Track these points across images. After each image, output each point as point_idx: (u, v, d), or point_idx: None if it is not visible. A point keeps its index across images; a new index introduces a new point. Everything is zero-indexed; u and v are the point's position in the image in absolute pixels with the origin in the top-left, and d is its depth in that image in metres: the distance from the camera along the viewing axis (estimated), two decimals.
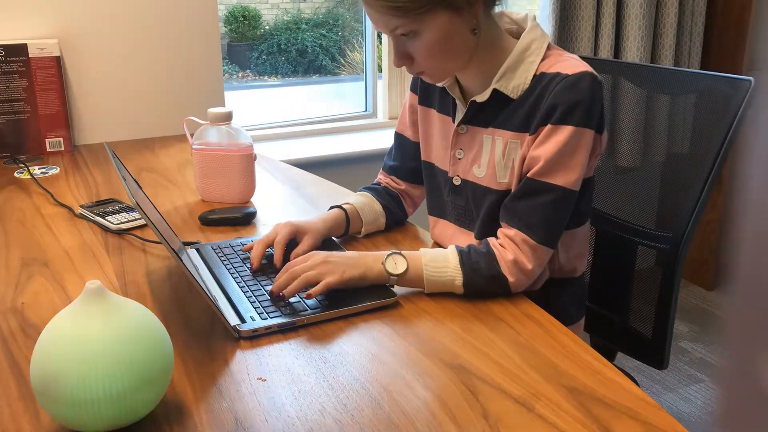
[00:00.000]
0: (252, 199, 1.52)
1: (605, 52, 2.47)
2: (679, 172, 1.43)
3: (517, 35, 1.16)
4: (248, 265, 1.17)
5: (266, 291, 1.09)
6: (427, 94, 1.28)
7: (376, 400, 0.84)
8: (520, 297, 1.10)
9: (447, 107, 1.24)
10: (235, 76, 9.16)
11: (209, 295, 0.98)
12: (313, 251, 1.13)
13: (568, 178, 1.09)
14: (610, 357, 1.44)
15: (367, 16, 1.14)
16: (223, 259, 1.20)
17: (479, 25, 1.11)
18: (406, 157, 1.35)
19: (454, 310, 1.06)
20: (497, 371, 0.90)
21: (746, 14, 2.63)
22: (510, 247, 1.10)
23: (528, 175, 1.10)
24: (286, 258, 1.16)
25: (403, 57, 1.12)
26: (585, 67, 1.09)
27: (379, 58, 2.66)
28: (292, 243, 1.19)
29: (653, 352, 1.33)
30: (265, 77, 9.36)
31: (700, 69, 2.68)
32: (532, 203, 1.10)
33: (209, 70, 2.11)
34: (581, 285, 1.31)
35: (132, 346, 0.75)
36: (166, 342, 0.80)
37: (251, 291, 1.09)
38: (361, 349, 0.96)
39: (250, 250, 1.20)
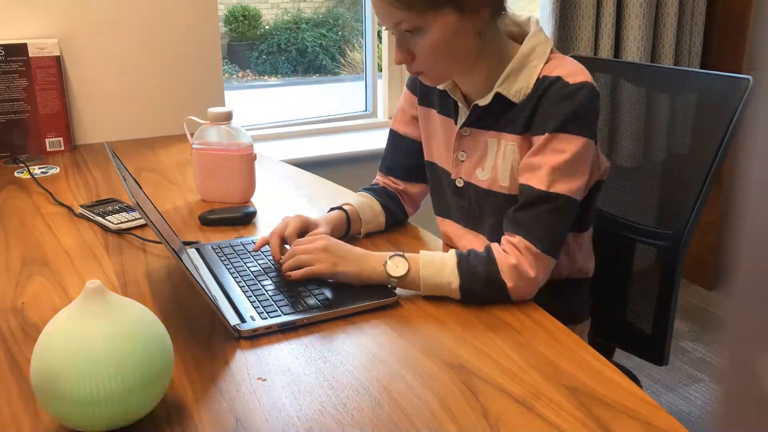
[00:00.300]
0: (252, 199, 1.52)
1: (605, 51, 2.47)
2: (678, 171, 1.43)
3: (518, 38, 1.16)
4: (249, 264, 1.17)
5: (266, 291, 1.09)
6: (426, 95, 1.28)
7: (376, 400, 0.84)
8: None
9: (448, 109, 1.23)
10: (235, 76, 9.15)
11: (209, 295, 0.98)
12: (324, 235, 1.14)
13: (570, 186, 1.08)
14: (608, 354, 1.44)
15: (369, 13, 1.14)
16: (223, 258, 1.20)
17: (484, 30, 1.11)
18: (402, 156, 1.35)
19: (454, 309, 1.06)
20: (497, 371, 0.90)
21: (746, 14, 2.63)
22: (513, 253, 1.08)
23: (530, 184, 1.09)
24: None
25: (404, 54, 1.11)
26: (586, 76, 1.09)
27: (379, 57, 2.66)
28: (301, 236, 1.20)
29: (653, 349, 1.33)
30: (265, 77, 9.36)
31: (700, 69, 2.68)
32: (536, 212, 1.09)
33: (209, 70, 2.11)
34: (590, 286, 1.32)
35: (132, 346, 0.75)
36: (166, 342, 0.80)
37: (251, 291, 1.09)
38: (362, 348, 0.96)
39: (262, 246, 1.20)
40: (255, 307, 1.03)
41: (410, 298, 1.09)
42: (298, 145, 2.46)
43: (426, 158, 1.31)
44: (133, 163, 1.80)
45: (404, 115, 1.33)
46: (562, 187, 1.08)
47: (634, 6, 2.45)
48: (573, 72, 1.09)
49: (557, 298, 1.15)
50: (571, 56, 1.19)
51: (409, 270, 1.08)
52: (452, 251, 1.11)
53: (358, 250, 1.12)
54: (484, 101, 1.15)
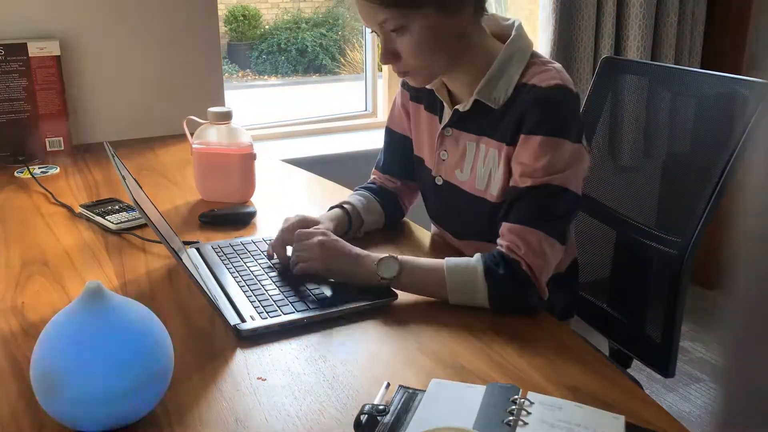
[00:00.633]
0: (252, 199, 1.52)
1: (605, 51, 2.47)
2: (683, 174, 1.42)
3: (503, 39, 1.17)
4: (249, 264, 1.18)
5: (266, 291, 1.09)
6: (417, 91, 1.29)
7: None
8: None
9: (434, 107, 1.26)
10: (235, 76, 9.15)
11: (209, 295, 0.98)
12: (322, 231, 1.14)
13: (553, 177, 1.07)
14: (625, 364, 1.44)
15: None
16: (223, 258, 1.20)
17: (467, 31, 1.12)
18: (398, 154, 1.37)
19: (454, 309, 1.06)
20: (497, 371, 0.90)
21: (746, 14, 2.63)
22: (518, 248, 1.07)
23: (514, 185, 1.10)
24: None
25: (389, 54, 1.12)
26: (559, 79, 1.09)
27: (379, 57, 2.66)
28: None
29: (661, 359, 1.32)
30: (265, 77, 9.36)
31: (701, 69, 2.68)
32: (526, 204, 1.09)
33: (209, 70, 2.11)
34: (568, 283, 1.32)
35: (132, 346, 0.75)
36: (166, 342, 0.80)
37: (251, 290, 1.09)
38: (361, 348, 0.95)
39: (272, 256, 1.20)
40: (255, 307, 1.03)
41: (410, 298, 1.09)
42: (298, 144, 2.46)
43: (415, 152, 1.33)
44: (133, 163, 1.80)
45: (399, 113, 1.35)
46: (544, 179, 1.07)
47: (635, 6, 2.45)
48: (547, 76, 1.09)
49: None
50: (612, 55, 1.19)
51: (400, 273, 1.07)
52: (478, 267, 1.06)
53: (354, 249, 1.12)
54: (464, 107, 1.17)
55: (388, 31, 1.10)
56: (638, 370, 1.87)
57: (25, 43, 1.82)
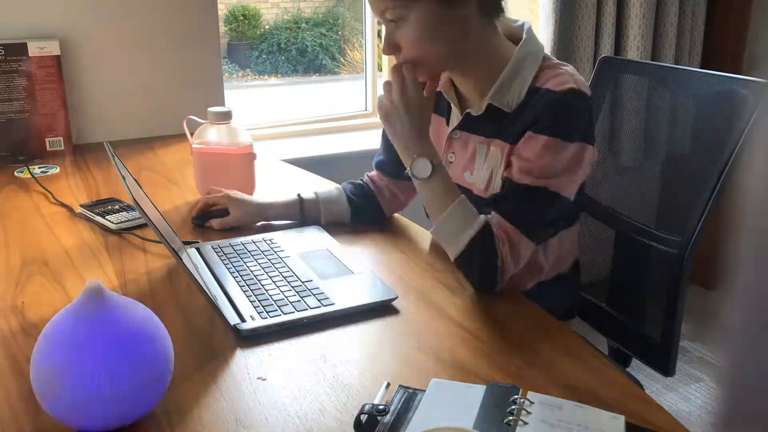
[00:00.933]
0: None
1: (605, 51, 2.47)
2: (683, 174, 1.42)
3: (513, 40, 1.17)
4: (249, 264, 1.18)
5: (266, 290, 1.09)
6: None
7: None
8: (519, 296, 1.11)
9: (441, 108, 1.26)
10: (235, 76, 9.15)
11: (209, 295, 0.98)
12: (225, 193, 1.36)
13: (547, 181, 1.09)
14: (625, 363, 1.44)
15: (369, 13, 1.16)
16: (223, 258, 1.20)
17: (470, 25, 1.11)
18: (392, 153, 1.36)
19: (454, 309, 1.06)
20: (497, 370, 0.90)
21: (746, 14, 2.63)
22: (503, 238, 1.09)
23: (511, 178, 1.10)
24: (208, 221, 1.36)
25: (390, 44, 1.12)
26: (573, 83, 1.09)
27: (380, 57, 2.66)
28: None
29: (661, 358, 1.32)
30: (265, 76, 9.36)
31: (701, 69, 2.68)
32: (517, 202, 1.10)
33: (209, 70, 2.11)
34: (570, 284, 1.32)
35: (132, 346, 0.75)
36: (166, 342, 0.80)
37: (251, 290, 1.09)
38: (361, 347, 0.96)
39: (200, 213, 1.37)
40: (255, 307, 1.03)
41: (410, 298, 1.09)
42: (298, 144, 2.46)
43: None
44: (133, 163, 1.80)
45: None
46: (541, 182, 1.08)
47: (635, 5, 2.45)
48: (561, 80, 1.09)
49: (543, 297, 1.16)
50: (611, 55, 1.20)
51: (429, 177, 1.10)
52: (481, 220, 1.09)
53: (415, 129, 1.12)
54: (476, 111, 1.17)
55: (389, 21, 1.11)
56: (638, 369, 1.87)
57: (25, 43, 1.82)
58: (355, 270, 1.16)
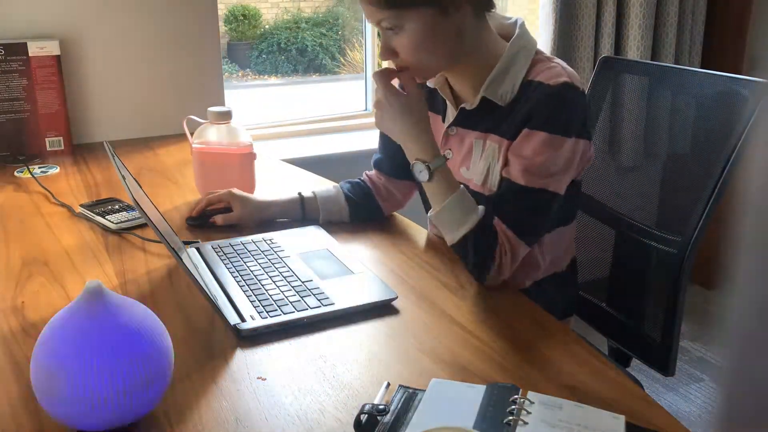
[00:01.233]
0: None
1: (605, 51, 2.47)
2: (683, 174, 1.42)
3: (506, 37, 1.17)
4: (249, 263, 1.18)
5: (266, 290, 1.09)
6: None
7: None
8: (519, 296, 1.11)
9: (437, 105, 1.27)
10: (235, 75, 9.15)
11: (209, 294, 0.98)
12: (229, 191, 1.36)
13: (547, 181, 1.10)
14: (625, 362, 1.44)
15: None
16: (223, 258, 1.20)
17: (465, 28, 1.12)
18: (389, 152, 1.38)
19: (454, 309, 1.06)
20: (498, 370, 0.90)
21: (746, 14, 2.63)
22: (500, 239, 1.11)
23: (509, 177, 1.12)
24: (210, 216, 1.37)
25: (388, 51, 1.13)
26: (566, 77, 1.10)
27: (379, 57, 2.66)
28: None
29: (661, 358, 1.32)
30: (265, 76, 9.36)
31: (701, 69, 2.68)
32: (515, 205, 1.12)
33: (209, 70, 2.11)
34: (567, 282, 1.32)
35: (132, 346, 0.75)
36: (166, 342, 0.80)
37: (251, 290, 1.09)
38: (361, 347, 0.96)
39: (201, 211, 1.38)
40: (255, 307, 1.03)
41: (410, 297, 1.09)
42: (298, 144, 2.46)
43: None
44: (133, 163, 1.80)
45: None
46: (539, 182, 1.10)
47: (635, 5, 2.45)
48: (554, 74, 1.11)
49: (540, 295, 1.17)
50: (610, 55, 1.21)
51: (432, 179, 1.11)
52: (479, 211, 1.11)
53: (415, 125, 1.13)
54: (471, 105, 1.18)
55: (386, 29, 1.11)
56: (638, 369, 1.87)
57: (25, 43, 1.82)
58: (355, 270, 1.16)
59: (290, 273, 1.15)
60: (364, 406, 0.79)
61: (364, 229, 1.36)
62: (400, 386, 0.85)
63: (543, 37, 2.45)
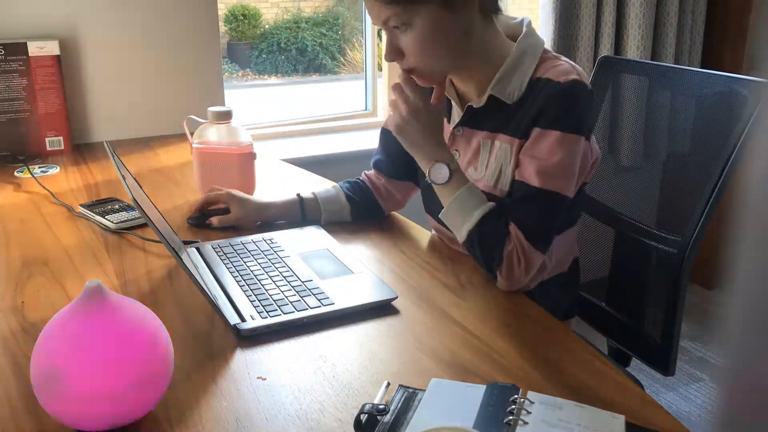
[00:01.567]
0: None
1: (605, 51, 2.47)
2: (683, 174, 1.42)
3: (512, 37, 1.17)
4: (249, 263, 1.18)
5: (266, 290, 1.09)
6: None
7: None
8: (520, 296, 1.11)
9: (443, 107, 1.25)
10: (235, 75, 9.15)
11: (209, 294, 0.98)
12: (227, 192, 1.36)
13: (561, 183, 1.10)
14: (625, 362, 1.44)
15: (367, 11, 1.16)
16: (223, 258, 1.20)
17: (473, 28, 1.11)
18: (389, 152, 1.37)
19: (454, 309, 1.06)
20: (498, 370, 0.90)
21: (746, 14, 2.63)
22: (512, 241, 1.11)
23: (523, 180, 1.11)
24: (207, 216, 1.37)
25: (394, 51, 1.13)
26: (576, 74, 1.10)
27: (380, 56, 2.66)
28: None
29: (661, 358, 1.32)
30: (265, 76, 9.36)
31: (701, 69, 2.68)
32: (530, 208, 1.11)
33: (209, 69, 2.11)
34: (570, 282, 1.32)
35: (132, 346, 0.75)
36: (166, 342, 0.80)
37: (251, 290, 1.09)
38: (361, 347, 0.96)
39: (199, 210, 1.38)
40: (255, 307, 1.03)
41: (410, 297, 1.09)
42: (298, 144, 2.46)
43: None
44: (133, 163, 1.80)
45: None
46: (554, 184, 1.09)
47: (635, 5, 2.45)
48: (562, 71, 1.10)
49: (545, 296, 1.17)
50: (610, 55, 1.21)
51: (449, 182, 1.12)
52: (487, 206, 1.12)
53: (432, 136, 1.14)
54: (478, 103, 1.17)
55: (392, 28, 1.11)
56: (638, 369, 1.87)
57: (25, 43, 1.82)
58: (355, 270, 1.16)
59: (290, 273, 1.15)
60: (364, 405, 0.79)
61: (364, 229, 1.36)
62: (400, 386, 0.85)
63: (543, 37, 2.45)
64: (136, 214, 1.40)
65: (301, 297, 1.06)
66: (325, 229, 1.33)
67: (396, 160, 1.36)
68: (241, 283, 1.11)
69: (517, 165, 1.14)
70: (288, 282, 1.11)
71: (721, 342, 0.26)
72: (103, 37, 1.97)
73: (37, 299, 1.09)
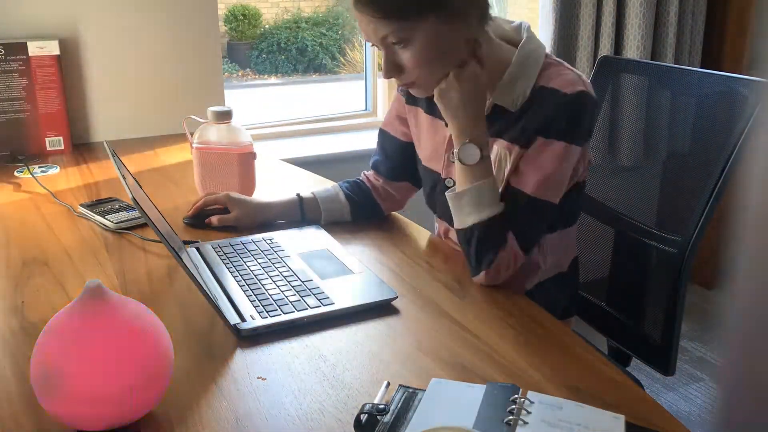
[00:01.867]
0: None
1: (605, 51, 2.47)
2: (683, 174, 1.42)
3: (511, 42, 1.16)
4: (249, 263, 1.18)
5: (266, 290, 1.09)
6: (411, 94, 1.28)
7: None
8: (519, 295, 1.11)
9: (436, 109, 1.22)
10: (235, 75, 9.15)
11: (209, 294, 0.98)
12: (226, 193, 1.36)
13: (555, 193, 1.12)
14: (625, 362, 1.44)
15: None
16: (223, 258, 1.20)
17: (472, 38, 1.10)
18: (387, 154, 1.37)
19: (454, 308, 1.06)
20: (498, 370, 0.90)
21: (746, 14, 2.63)
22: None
23: (520, 188, 1.12)
24: (205, 216, 1.37)
25: (393, 68, 1.10)
26: (582, 85, 1.10)
27: (379, 56, 2.66)
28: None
29: (661, 358, 1.32)
30: (265, 76, 9.35)
31: (701, 69, 2.68)
32: (523, 216, 1.12)
33: (209, 69, 2.11)
34: (569, 282, 1.32)
35: (132, 345, 0.75)
36: (166, 341, 0.80)
37: (251, 290, 1.09)
38: (361, 347, 0.96)
39: (199, 211, 1.37)
40: (255, 307, 1.03)
41: (410, 297, 1.09)
42: (298, 144, 2.46)
43: (419, 155, 1.32)
44: (133, 163, 1.80)
45: (392, 115, 1.36)
46: (548, 194, 1.11)
47: (635, 5, 2.45)
48: (569, 81, 1.10)
49: (543, 295, 1.18)
50: (610, 54, 1.21)
51: (474, 166, 1.10)
52: (500, 205, 1.11)
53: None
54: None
55: (391, 44, 1.09)
56: (638, 369, 1.87)
57: (25, 43, 1.82)
58: (355, 270, 1.16)
59: (290, 273, 1.15)
60: (364, 405, 0.79)
61: (364, 229, 1.36)
62: (400, 386, 0.85)
63: (543, 37, 2.45)
64: (136, 214, 1.40)
65: (301, 297, 1.06)
66: (325, 229, 1.33)
67: (395, 161, 1.36)
68: (241, 283, 1.11)
69: (513, 171, 1.13)
70: (288, 282, 1.11)
71: (721, 342, 0.26)
72: (103, 37, 1.97)
73: (37, 299, 1.09)
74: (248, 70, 9.38)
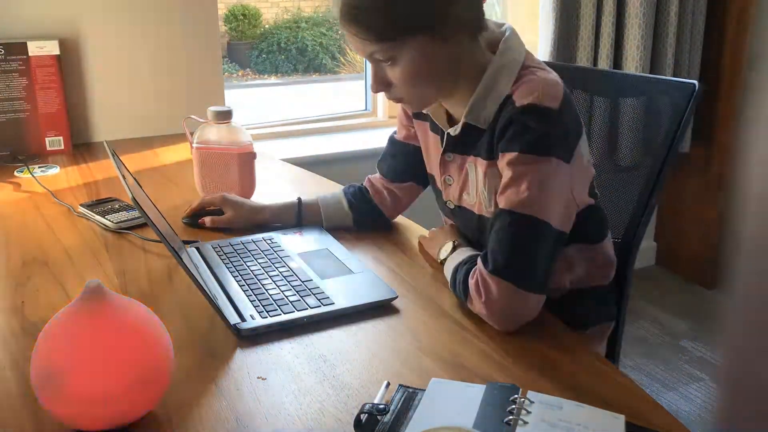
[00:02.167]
0: (252, 198, 1.52)
1: (605, 51, 2.47)
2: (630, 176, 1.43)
3: (496, 49, 1.09)
4: (249, 263, 1.18)
5: (266, 290, 1.09)
6: None
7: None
8: None
9: (438, 127, 1.20)
10: (235, 75, 9.15)
11: (209, 294, 0.98)
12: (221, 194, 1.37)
13: (532, 208, 1.00)
14: (614, 359, 1.44)
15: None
16: (223, 258, 1.20)
17: (462, 53, 1.06)
18: (395, 158, 1.35)
19: (454, 309, 1.06)
20: (498, 370, 0.90)
21: (746, 13, 2.63)
22: (477, 281, 1.01)
23: (500, 206, 1.03)
24: (199, 216, 1.38)
25: (381, 83, 1.08)
26: (534, 97, 1.00)
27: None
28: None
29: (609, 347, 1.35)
30: (265, 76, 9.35)
31: (700, 69, 2.68)
32: (502, 236, 1.01)
33: (209, 69, 2.11)
34: (603, 294, 1.26)
35: (132, 345, 0.75)
36: (166, 341, 0.80)
37: (251, 290, 1.09)
38: (361, 347, 0.96)
39: (195, 213, 1.38)
40: (255, 306, 1.03)
41: (410, 297, 1.09)
42: (298, 143, 2.46)
43: (428, 170, 1.29)
44: (133, 162, 1.80)
45: (400, 121, 1.33)
46: (525, 209, 1.00)
47: (634, 5, 2.45)
48: (526, 91, 1.02)
49: (555, 306, 1.10)
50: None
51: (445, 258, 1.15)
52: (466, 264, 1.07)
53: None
54: (454, 131, 1.12)
55: (378, 61, 1.06)
56: (638, 369, 1.88)
57: (25, 43, 1.82)
58: (355, 270, 1.16)
59: (290, 273, 1.15)
60: (364, 405, 0.79)
61: (364, 229, 1.36)
62: (400, 386, 0.85)
63: (543, 37, 2.45)
64: (136, 213, 1.40)
65: (301, 297, 1.06)
66: (325, 230, 1.33)
67: (400, 165, 1.35)
68: (241, 283, 1.11)
69: (492, 187, 1.08)
70: (288, 282, 1.11)
71: (721, 342, 0.26)
72: (103, 37, 1.97)
73: (37, 299, 1.09)
74: (248, 69, 9.38)
